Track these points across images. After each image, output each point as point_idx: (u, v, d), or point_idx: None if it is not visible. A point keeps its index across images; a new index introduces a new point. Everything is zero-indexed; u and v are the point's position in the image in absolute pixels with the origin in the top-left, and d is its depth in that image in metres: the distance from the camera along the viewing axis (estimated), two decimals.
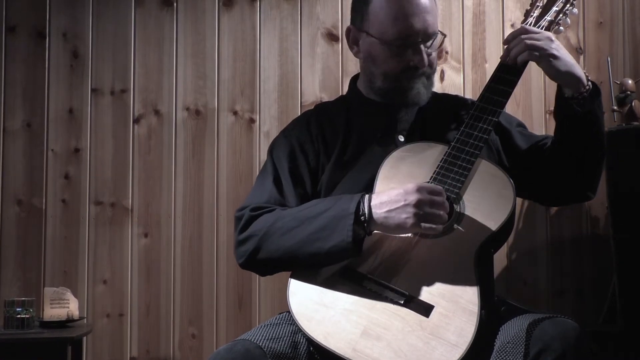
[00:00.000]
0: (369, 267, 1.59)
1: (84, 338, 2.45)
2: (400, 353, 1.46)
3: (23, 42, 2.62)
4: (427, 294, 1.53)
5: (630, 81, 2.36)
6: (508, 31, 2.57)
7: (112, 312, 2.56)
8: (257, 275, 2.47)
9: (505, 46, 1.74)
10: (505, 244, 2.24)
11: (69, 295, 2.35)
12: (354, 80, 1.93)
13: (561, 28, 1.77)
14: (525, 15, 1.79)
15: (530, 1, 1.81)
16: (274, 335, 1.55)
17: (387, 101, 1.81)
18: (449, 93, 2.22)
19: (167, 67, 2.63)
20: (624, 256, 2.13)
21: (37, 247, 2.57)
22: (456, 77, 2.60)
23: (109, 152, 2.60)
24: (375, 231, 1.60)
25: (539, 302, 2.51)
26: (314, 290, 1.58)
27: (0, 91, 2.60)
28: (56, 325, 2.30)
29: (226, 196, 2.59)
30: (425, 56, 1.75)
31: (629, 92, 2.33)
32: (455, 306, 1.50)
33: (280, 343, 1.53)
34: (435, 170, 1.64)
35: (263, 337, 1.53)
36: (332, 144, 1.80)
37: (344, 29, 2.07)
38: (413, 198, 1.55)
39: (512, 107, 2.55)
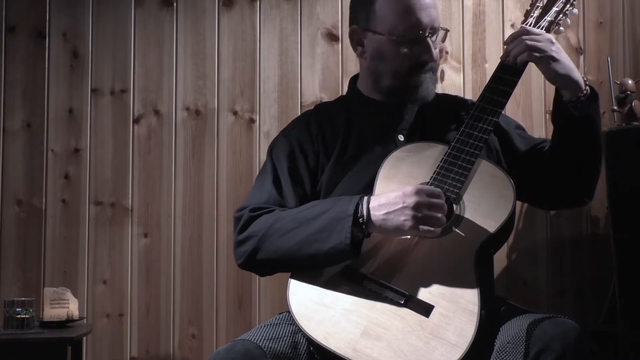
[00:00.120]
0: (369, 267, 1.59)
1: (84, 338, 2.45)
2: (400, 353, 1.46)
3: (23, 42, 2.62)
4: (427, 294, 1.53)
5: (630, 81, 2.36)
6: (508, 31, 2.57)
7: (112, 312, 2.56)
8: (257, 275, 2.47)
9: (506, 46, 1.74)
10: (505, 244, 2.24)
11: (69, 295, 2.35)
12: (354, 80, 1.93)
13: (561, 28, 1.77)
14: (525, 16, 1.79)
15: (530, 1, 1.81)
16: (274, 335, 1.55)
17: (394, 100, 1.81)
18: (449, 93, 2.22)
19: (167, 67, 2.63)
20: (624, 256, 2.13)
21: (37, 247, 2.57)
22: (456, 77, 2.60)
23: (109, 152, 2.60)
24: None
25: (539, 302, 2.51)
26: (314, 290, 1.58)
27: (0, 91, 2.60)
28: (56, 326, 2.29)
29: (226, 196, 2.58)
30: (433, 50, 1.77)
31: (629, 92, 2.33)
32: (455, 306, 1.50)
33: (280, 343, 1.53)
34: (435, 170, 1.64)
35: (263, 337, 1.53)
36: (332, 144, 1.80)
37: (344, 29, 2.07)
38: (411, 200, 1.55)
39: (512, 107, 2.55)
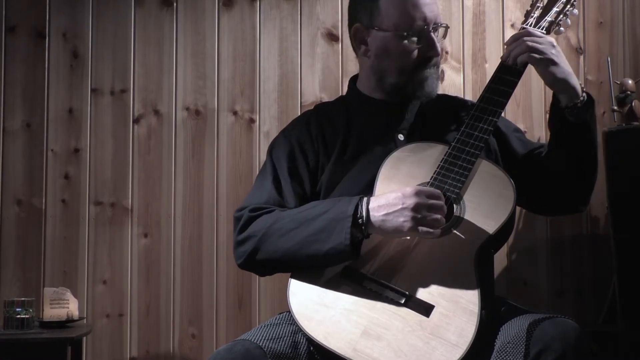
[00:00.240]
0: (370, 266, 1.59)
1: (84, 338, 2.45)
2: (401, 353, 1.46)
3: (23, 42, 2.62)
4: (427, 294, 1.53)
5: (630, 81, 2.36)
6: (508, 31, 2.58)
7: (112, 312, 2.56)
8: (257, 275, 2.47)
9: (507, 47, 1.74)
10: (505, 244, 2.24)
11: (69, 295, 2.35)
12: (353, 80, 1.93)
13: (562, 29, 1.77)
14: (525, 16, 1.79)
15: (530, 2, 1.81)
16: (274, 335, 1.55)
17: (397, 98, 1.81)
18: (449, 93, 2.22)
19: (167, 67, 2.63)
20: (624, 256, 2.13)
21: (37, 247, 2.57)
22: (456, 77, 2.60)
23: (109, 152, 2.60)
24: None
25: (539, 302, 2.51)
26: (314, 290, 1.58)
27: (0, 91, 2.60)
28: (56, 326, 2.29)
29: (226, 196, 2.58)
30: (438, 44, 1.78)
31: (629, 92, 2.33)
32: (456, 306, 1.50)
33: (280, 343, 1.53)
34: (435, 171, 1.64)
35: (263, 337, 1.53)
36: (332, 144, 1.80)
37: (344, 29, 2.07)
38: (411, 202, 1.55)
39: (512, 107, 2.55)
